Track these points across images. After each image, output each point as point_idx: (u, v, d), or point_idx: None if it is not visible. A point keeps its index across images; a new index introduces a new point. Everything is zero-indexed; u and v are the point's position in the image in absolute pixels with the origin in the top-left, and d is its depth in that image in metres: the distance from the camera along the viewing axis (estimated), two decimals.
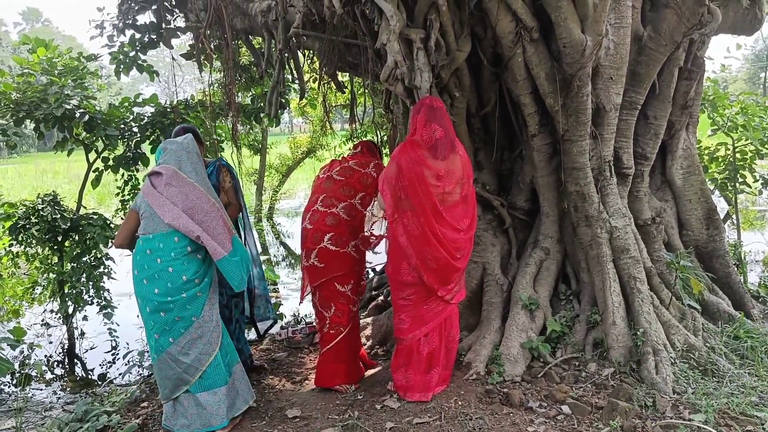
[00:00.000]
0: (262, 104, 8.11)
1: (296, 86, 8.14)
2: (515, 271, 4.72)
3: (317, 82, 7.05)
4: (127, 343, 6.87)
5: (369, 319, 5.40)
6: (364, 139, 4.75)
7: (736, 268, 5.21)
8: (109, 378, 6.00)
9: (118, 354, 6.58)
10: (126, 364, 6.05)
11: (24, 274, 9.09)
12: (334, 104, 14.50)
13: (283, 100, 7.92)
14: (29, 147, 44.62)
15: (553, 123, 4.48)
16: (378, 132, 9.09)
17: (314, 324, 5.50)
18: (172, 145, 3.86)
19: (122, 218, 7.74)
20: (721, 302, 4.82)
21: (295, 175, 17.96)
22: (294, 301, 7.85)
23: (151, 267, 3.61)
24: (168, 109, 7.37)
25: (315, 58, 6.58)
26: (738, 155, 7.34)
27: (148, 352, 5.76)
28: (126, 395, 4.62)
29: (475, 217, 3.99)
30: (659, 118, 4.77)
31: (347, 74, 7.61)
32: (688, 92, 4.84)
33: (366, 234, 4.44)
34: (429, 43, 4.05)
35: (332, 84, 10.42)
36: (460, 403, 3.90)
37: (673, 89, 4.76)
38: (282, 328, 5.51)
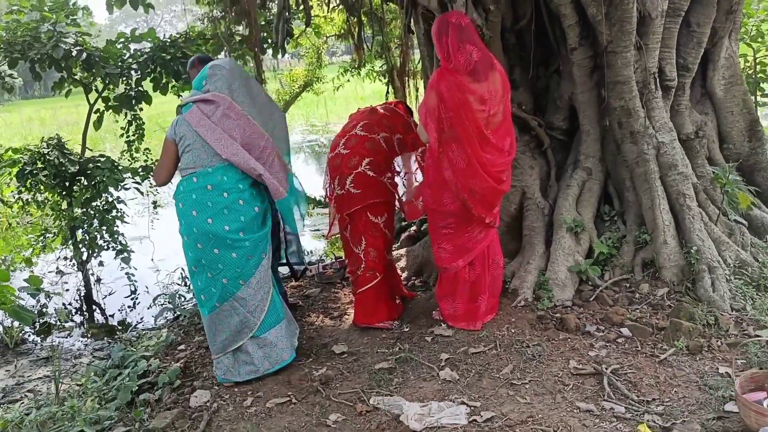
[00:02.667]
0: (265, 34, 7.72)
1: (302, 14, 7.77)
2: (556, 194, 4.54)
3: (328, 4, 6.66)
4: (147, 287, 6.73)
5: (403, 251, 5.24)
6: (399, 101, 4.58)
7: None
8: (132, 323, 5.89)
9: (137, 299, 6.45)
10: (151, 307, 5.91)
11: (28, 223, 8.87)
12: (329, 34, 13.98)
13: (289, 28, 7.54)
14: (10, 96, 43.40)
15: (594, 34, 4.21)
16: (388, 58, 8.70)
17: (344, 259, 5.37)
18: (221, 71, 3.48)
19: (129, 160, 7.49)
20: (765, 216, 4.67)
21: (292, 111, 17.53)
22: (313, 242, 7.65)
23: (218, 202, 3.34)
24: (167, 43, 7.01)
25: None
26: (759, 67, 7.09)
27: (177, 295, 5.69)
28: (160, 339, 4.48)
29: (514, 136, 3.80)
30: (702, 25, 4.49)
31: None
32: None
33: (410, 200, 4.31)
34: None
35: (332, 12, 9.98)
36: (513, 330, 3.79)
37: None
38: (311, 264, 5.34)
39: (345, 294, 4.96)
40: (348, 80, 14.77)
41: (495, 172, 3.63)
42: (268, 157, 3.50)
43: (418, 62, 7.32)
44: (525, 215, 4.49)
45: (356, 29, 7.98)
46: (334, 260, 5.34)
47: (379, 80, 15.00)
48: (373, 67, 14.92)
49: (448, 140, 3.58)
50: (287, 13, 6.79)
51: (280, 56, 7.97)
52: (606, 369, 3.19)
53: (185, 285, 6.81)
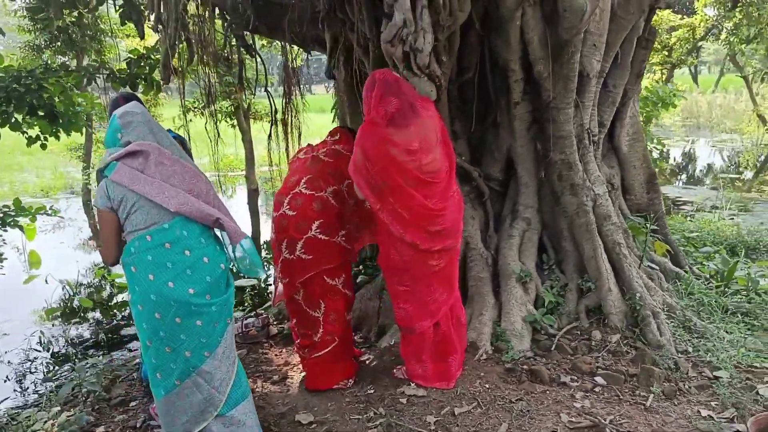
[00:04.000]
0: (137, 69, 7.08)
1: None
2: (496, 244, 4.59)
3: (224, 44, 6.26)
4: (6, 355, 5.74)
5: None
6: (340, 126, 4.20)
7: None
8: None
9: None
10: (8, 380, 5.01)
11: None
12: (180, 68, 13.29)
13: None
14: None
15: (536, 90, 4.38)
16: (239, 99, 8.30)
17: (265, 315, 4.98)
18: (135, 116, 3.01)
19: None
20: (666, 262, 5.11)
21: None
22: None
23: (178, 262, 2.86)
24: (22, 73, 6.18)
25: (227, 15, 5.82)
26: None
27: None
28: (69, 424, 3.77)
29: (455, 181, 3.73)
30: (618, 86, 4.88)
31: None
32: (644, 60, 5.01)
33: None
34: (435, 1, 3.71)
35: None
36: (486, 385, 3.70)
37: (631, 58, 4.89)
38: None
39: (276, 354, 4.57)
40: (191, 120, 14.10)
41: (436, 208, 3.50)
42: (214, 199, 3.12)
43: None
44: (469, 266, 4.47)
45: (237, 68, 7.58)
46: (255, 318, 4.92)
47: (226, 121, 14.56)
48: (220, 107, 14.43)
49: (384, 194, 3.43)
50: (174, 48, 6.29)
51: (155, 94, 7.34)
52: (604, 421, 3.21)
53: (47, 350, 5.94)
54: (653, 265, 4.84)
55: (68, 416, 3.96)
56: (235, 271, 3.27)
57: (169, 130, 4.18)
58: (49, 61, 6.72)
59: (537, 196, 4.65)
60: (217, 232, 3.13)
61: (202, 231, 3.00)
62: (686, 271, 5.17)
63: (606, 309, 4.23)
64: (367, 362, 4.18)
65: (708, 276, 5.23)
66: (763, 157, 16.69)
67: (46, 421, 3.96)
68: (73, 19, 8.82)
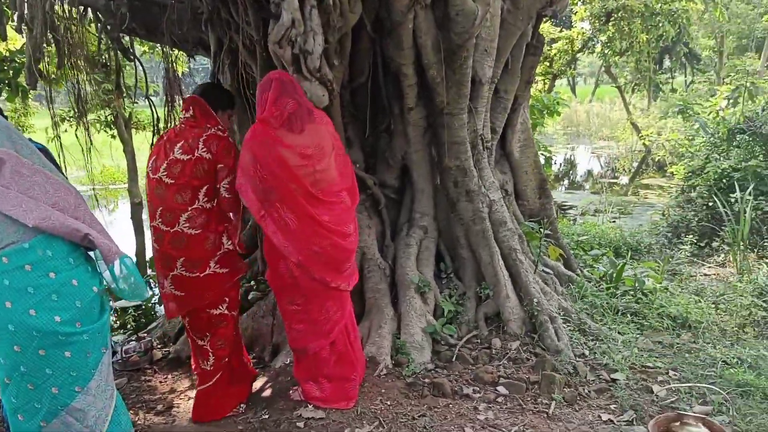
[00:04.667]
0: (0, 74, 6.46)
1: None
2: (393, 253, 4.46)
3: (98, 47, 5.78)
4: None
5: None
6: (193, 93, 3.46)
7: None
8: None
9: None
10: None
11: None
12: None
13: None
14: None
15: (428, 96, 4.29)
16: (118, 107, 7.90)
17: (148, 339, 4.59)
18: None
19: None
20: (559, 266, 5.18)
21: None
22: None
23: (42, 287, 2.45)
24: None
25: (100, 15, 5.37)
26: None
27: None
28: None
29: (357, 191, 3.52)
30: (509, 92, 4.90)
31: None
32: (534, 67, 5.06)
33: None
34: (325, 1, 3.53)
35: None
36: (388, 403, 3.54)
37: (521, 64, 4.92)
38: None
39: (160, 381, 4.20)
40: (65, 130, 13.22)
41: (336, 227, 3.27)
42: (84, 214, 2.75)
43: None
44: (366, 277, 4.31)
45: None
46: (137, 342, 4.51)
47: (105, 131, 13.72)
48: (99, 116, 13.58)
49: (270, 201, 3.15)
50: (40, 52, 5.75)
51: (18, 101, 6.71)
52: None
53: None
54: (547, 270, 4.88)
55: None
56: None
57: (32, 140, 3.77)
58: None
59: (433, 203, 4.57)
60: (91, 253, 2.78)
61: (70, 250, 2.63)
62: (578, 274, 5.26)
63: (505, 316, 4.20)
64: (262, 385, 3.92)
65: (598, 278, 5.35)
66: (636, 163, 17.73)
67: None
68: None
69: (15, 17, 5.31)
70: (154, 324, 5.18)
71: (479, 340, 4.18)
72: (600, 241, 7.15)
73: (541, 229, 4.70)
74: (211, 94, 3.39)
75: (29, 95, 7.15)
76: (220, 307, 3.43)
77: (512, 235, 4.44)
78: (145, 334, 4.69)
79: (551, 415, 3.36)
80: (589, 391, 3.59)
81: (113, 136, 13.81)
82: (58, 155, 5.34)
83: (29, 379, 2.53)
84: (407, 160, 4.53)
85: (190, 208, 3.18)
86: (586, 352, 4.05)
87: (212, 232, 3.28)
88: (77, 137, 5.84)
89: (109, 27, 5.45)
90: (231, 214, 3.35)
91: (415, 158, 4.48)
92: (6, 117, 3.60)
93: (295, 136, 3.18)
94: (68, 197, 2.68)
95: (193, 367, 3.62)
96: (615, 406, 3.45)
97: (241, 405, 3.63)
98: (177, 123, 3.41)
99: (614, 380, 3.69)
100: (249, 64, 4.46)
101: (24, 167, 2.58)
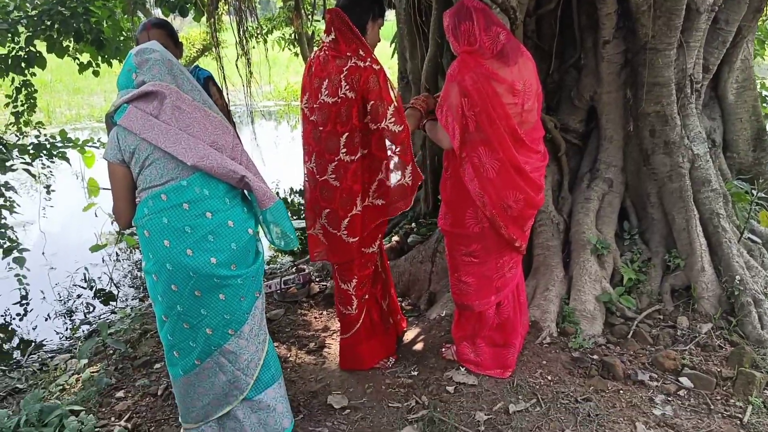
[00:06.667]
0: None
1: None
2: (570, 207, 3.98)
3: None
4: (42, 292, 5.60)
5: None
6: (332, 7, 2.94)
7: None
8: (30, 341, 4.81)
9: (29, 305, 5.35)
10: (50, 319, 4.83)
11: None
12: None
13: None
14: None
15: (631, 27, 3.64)
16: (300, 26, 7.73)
17: (307, 271, 4.56)
18: (154, 54, 2.47)
19: (17, 135, 6.20)
20: None
21: None
22: (268, 250, 6.64)
23: (198, 227, 2.41)
24: None
25: None
26: None
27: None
28: (90, 383, 3.50)
29: (543, 133, 3.13)
30: (731, 22, 4.05)
31: None
32: None
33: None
34: None
35: None
36: (548, 377, 3.18)
37: None
38: (269, 278, 4.48)
39: (315, 317, 4.16)
40: (254, 47, 13.70)
41: (534, 178, 2.96)
42: (241, 155, 2.62)
43: None
44: (537, 231, 3.88)
45: None
46: (295, 273, 4.50)
47: (288, 49, 14.00)
48: (283, 34, 13.87)
49: (473, 143, 2.86)
50: None
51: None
52: None
53: (90, 288, 5.76)
54: (755, 239, 4.12)
55: (92, 372, 3.72)
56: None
57: (199, 68, 3.71)
58: None
59: (622, 153, 3.96)
60: (246, 193, 2.67)
61: (227, 190, 2.53)
62: None
63: (697, 292, 3.60)
64: (414, 336, 3.72)
65: None
66: None
67: (72, 374, 3.73)
68: None
69: None
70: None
71: (662, 317, 3.63)
72: None
73: (753, 190, 3.94)
74: (354, 2, 2.87)
75: (216, 14, 7.26)
76: (350, 282, 3.20)
77: (716, 196, 3.75)
78: (305, 266, 4.67)
79: (746, 423, 2.81)
80: None
81: (296, 54, 14.06)
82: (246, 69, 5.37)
83: (185, 318, 2.54)
84: (596, 101, 3.93)
85: (336, 159, 2.91)
86: None
87: (349, 185, 2.95)
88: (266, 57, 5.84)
89: None
90: (398, 148, 2.90)
91: (605, 100, 3.87)
92: (179, 41, 3.56)
93: (509, 69, 2.82)
94: (226, 136, 2.57)
95: (336, 312, 3.48)
96: None
97: (390, 358, 3.45)
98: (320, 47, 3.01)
99: None
100: None
101: (184, 103, 2.49)
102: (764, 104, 6.80)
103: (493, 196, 2.90)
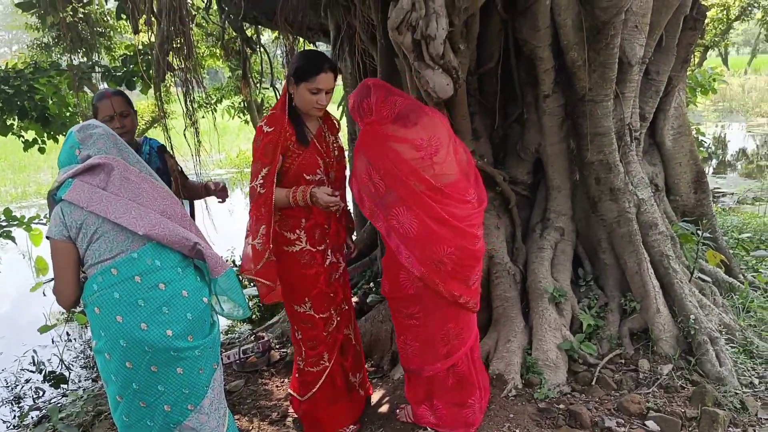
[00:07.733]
0: (133, 67, 6.59)
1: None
2: (525, 257, 4.02)
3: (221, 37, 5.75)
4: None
5: None
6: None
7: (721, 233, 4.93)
8: None
9: None
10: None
11: None
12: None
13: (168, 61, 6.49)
14: None
15: (567, 82, 3.79)
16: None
17: (266, 339, 4.46)
18: (97, 128, 2.50)
19: None
20: (719, 271, 4.50)
21: None
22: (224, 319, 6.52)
23: (152, 299, 2.36)
24: (10, 74, 5.80)
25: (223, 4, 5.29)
26: None
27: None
28: None
29: (483, 189, 3.09)
30: (661, 73, 4.26)
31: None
32: (692, 43, 4.37)
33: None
34: None
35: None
36: (516, 431, 3.15)
37: (677, 41, 4.26)
38: (228, 348, 4.37)
39: (277, 386, 4.06)
40: (203, 116, 13.77)
41: (463, 227, 2.87)
42: (191, 225, 2.61)
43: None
44: (494, 283, 3.91)
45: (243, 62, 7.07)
46: (254, 342, 4.40)
47: (239, 116, 14.10)
48: (233, 103, 13.98)
49: (389, 206, 2.84)
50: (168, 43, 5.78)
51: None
52: None
53: (39, 372, 5.52)
54: (705, 277, 4.23)
55: None
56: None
57: (150, 138, 3.72)
58: (57, 59, 6.31)
59: (571, 201, 4.06)
60: (196, 262, 2.63)
61: (179, 260, 2.50)
62: (741, 281, 4.56)
63: (654, 333, 3.65)
64: (379, 399, 3.65)
65: (765, 285, 4.61)
66: None
67: None
68: (81, 16, 8.41)
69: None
70: (269, 322, 5.06)
71: (623, 361, 3.66)
72: (763, 237, 6.24)
73: (698, 231, 4.07)
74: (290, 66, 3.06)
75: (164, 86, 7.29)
76: (303, 306, 3.14)
77: (664, 238, 3.86)
78: (263, 334, 4.58)
79: None
80: None
81: (246, 122, 14.17)
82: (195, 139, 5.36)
83: (141, 396, 2.45)
84: (541, 153, 4.04)
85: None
86: (755, 381, 3.43)
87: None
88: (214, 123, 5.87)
89: (231, 16, 5.37)
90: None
91: (550, 151, 3.99)
92: (135, 109, 3.56)
93: (407, 129, 2.86)
94: (175, 206, 2.56)
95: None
96: None
97: (351, 427, 3.36)
98: None
99: None
100: (369, 51, 4.18)
101: (132, 174, 2.49)
102: (701, 148, 7.09)
103: (420, 254, 2.84)
